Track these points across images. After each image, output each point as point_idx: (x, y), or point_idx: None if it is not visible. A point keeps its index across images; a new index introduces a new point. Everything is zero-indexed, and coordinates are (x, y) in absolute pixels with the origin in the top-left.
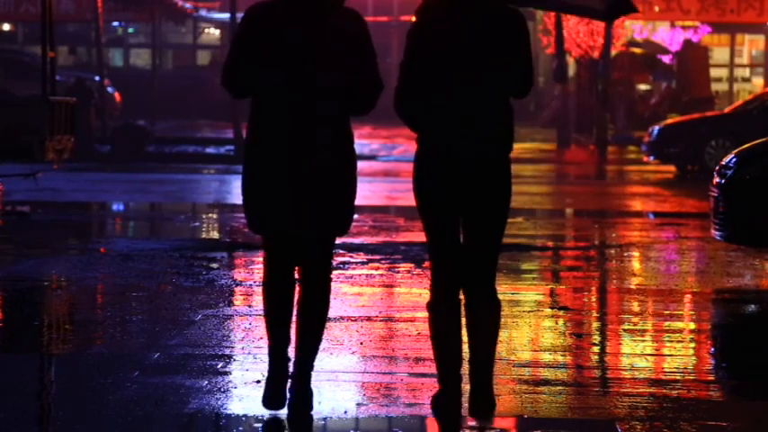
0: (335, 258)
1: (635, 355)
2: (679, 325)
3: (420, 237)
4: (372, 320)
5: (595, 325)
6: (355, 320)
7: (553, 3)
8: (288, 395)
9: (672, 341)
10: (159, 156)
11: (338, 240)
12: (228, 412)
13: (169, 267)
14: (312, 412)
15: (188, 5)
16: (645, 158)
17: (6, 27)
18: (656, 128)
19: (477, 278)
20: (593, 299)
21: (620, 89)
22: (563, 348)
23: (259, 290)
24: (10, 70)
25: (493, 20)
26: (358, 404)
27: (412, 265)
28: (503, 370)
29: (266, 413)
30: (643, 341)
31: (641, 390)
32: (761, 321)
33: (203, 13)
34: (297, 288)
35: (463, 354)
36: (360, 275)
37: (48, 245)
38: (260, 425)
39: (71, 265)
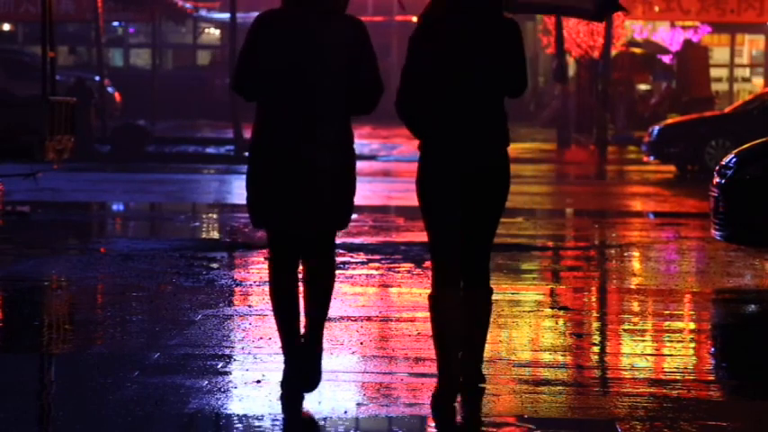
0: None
1: (635, 355)
2: (679, 325)
3: (420, 237)
4: (372, 320)
5: (595, 325)
6: (355, 320)
7: (543, 7)
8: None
9: (672, 341)
10: (159, 156)
11: (338, 240)
12: (228, 412)
13: (169, 267)
14: (315, 410)
15: (188, 5)
16: (645, 158)
17: (6, 27)
18: (656, 128)
19: (473, 268)
20: (594, 299)
21: (621, 89)
22: (563, 348)
23: (259, 290)
24: (10, 70)
25: (490, 25)
26: (358, 404)
27: (412, 265)
28: (503, 370)
29: (266, 413)
30: (643, 341)
31: (641, 390)
32: (761, 321)
33: (203, 13)
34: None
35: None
36: (360, 275)
37: (48, 245)
38: (260, 425)
39: (71, 265)
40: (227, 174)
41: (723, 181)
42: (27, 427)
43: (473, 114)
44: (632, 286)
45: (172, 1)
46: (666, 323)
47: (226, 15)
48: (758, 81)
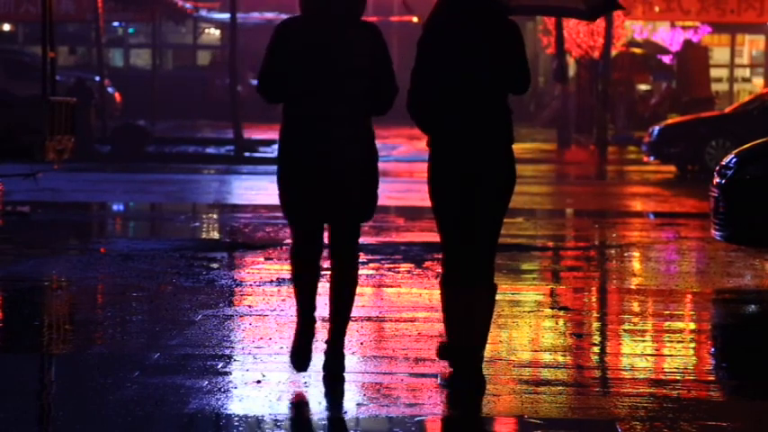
0: None
1: (635, 355)
2: (679, 325)
3: (420, 237)
4: (372, 320)
5: (595, 325)
6: (355, 320)
7: (538, 8)
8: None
9: (672, 341)
10: (159, 156)
11: None
12: (228, 412)
13: (169, 267)
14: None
15: (188, 5)
16: (645, 158)
17: (6, 27)
18: (657, 128)
19: (479, 265)
20: (594, 299)
21: (621, 89)
22: (563, 348)
23: (259, 290)
24: (10, 70)
25: (493, 26)
26: (358, 404)
27: (412, 265)
28: (503, 370)
29: (266, 413)
30: (643, 341)
31: (641, 390)
32: (761, 321)
33: (203, 13)
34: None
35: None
36: (360, 275)
37: (48, 245)
38: (260, 425)
39: (71, 265)
40: (228, 174)
41: (723, 181)
42: (27, 427)
43: (481, 113)
44: (632, 286)
45: (172, 1)
46: (666, 323)
47: (226, 15)
48: (758, 81)
